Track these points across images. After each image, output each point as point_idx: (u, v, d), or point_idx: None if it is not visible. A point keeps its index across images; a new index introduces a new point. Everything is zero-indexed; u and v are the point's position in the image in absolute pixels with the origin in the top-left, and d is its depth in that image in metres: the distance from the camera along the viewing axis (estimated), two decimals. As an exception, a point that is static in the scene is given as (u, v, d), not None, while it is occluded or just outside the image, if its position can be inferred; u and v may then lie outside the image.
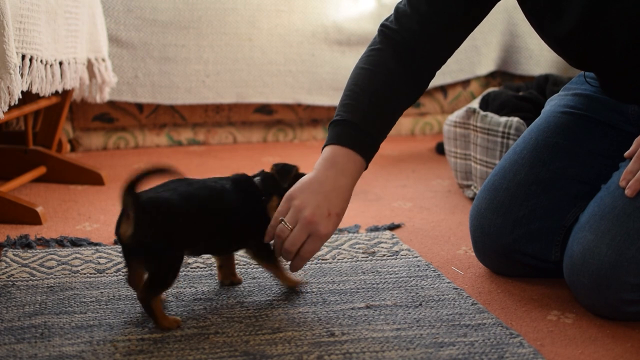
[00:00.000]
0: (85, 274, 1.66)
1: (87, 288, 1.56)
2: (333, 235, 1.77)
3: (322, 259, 1.74)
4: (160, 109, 3.03)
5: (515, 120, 2.14)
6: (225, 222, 1.45)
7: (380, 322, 1.42)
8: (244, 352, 1.29)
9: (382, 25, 1.59)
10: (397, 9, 1.58)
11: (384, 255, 1.78)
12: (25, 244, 1.84)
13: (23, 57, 1.99)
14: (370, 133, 1.51)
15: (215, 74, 3.00)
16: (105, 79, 2.53)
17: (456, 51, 1.62)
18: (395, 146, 3.03)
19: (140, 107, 3.01)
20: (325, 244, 1.68)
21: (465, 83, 3.31)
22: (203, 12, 2.95)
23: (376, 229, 1.99)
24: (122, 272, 1.64)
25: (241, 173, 1.53)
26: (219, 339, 1.34)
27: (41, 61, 2.08)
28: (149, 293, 1.36)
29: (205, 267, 1.67)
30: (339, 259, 1.75)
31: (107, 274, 1.65)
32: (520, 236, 1.60)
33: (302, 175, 1.51)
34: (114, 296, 1.52)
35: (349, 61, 3.07)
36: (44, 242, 1.86)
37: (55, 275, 1.65)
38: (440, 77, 3.16)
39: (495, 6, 1.61)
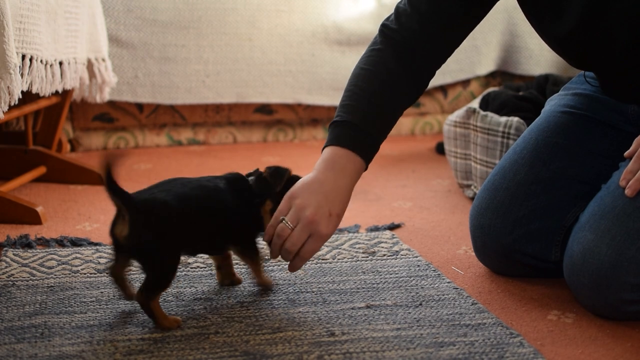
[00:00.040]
0: (85, 273, 1.66)
1: (87, 288, 1.56)
2: (333, 235, 1.77)
3: (322, 259, 1.74)
4: (160, 108, 3.03)
5: (515, 120, 2.14)
6: (219, 222, 1.45)
7: (380, 321, 1.42)
8: (244, 352, 1.29)
9: (383, 25, 1.59)
10: (398, 9, 1.58)
11: (384, 255, 1.78)
12: (25, 243, 1.84)
13: (23, 57, 1.99)
14: (370, 133, 1.51)
15: (215, 74, 3.00)
16: (105, 78, 2.53)
17: (456, 51, 1.62)
18: (395, 146, 3.03)
19: (140, 107, 3.01)
20: (326, 243, 1.68)
21: (465, 83, 3.31)
22: (203, 12, 2.95)
23: (376, 228, 1.99)
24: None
25: (235, 172, 1.53)
26: (219, 339, 1.34)
27: (41, 61, 2.08)
28: (147, 295, 1.36)
29: (205, 267, 1.67)
30: (339, 259, 1.75)
31: (107, 273, 1.64)
32: (520, 236, 1.60)
33: (296, 177, 1.50)
34: (114, 296, 1.52)
35: (349, 61, 3.07)
36: (44, 242, 1.86)
37: (55, 275, 1.65)
38: (440, 77, 3.16)
39: (495, 6, 1.61)
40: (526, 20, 1.62)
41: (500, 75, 3.35)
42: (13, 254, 1.77)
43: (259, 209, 1.49)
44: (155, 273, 1.36)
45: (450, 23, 1.56)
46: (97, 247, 1.83)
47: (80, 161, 2.53)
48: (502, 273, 1.68)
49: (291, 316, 1.44)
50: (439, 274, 1.65)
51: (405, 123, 3.28)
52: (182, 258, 1.70)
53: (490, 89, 2.50)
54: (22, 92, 1.98)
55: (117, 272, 1.41)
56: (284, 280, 1.61)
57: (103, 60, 2.53)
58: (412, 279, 1.63)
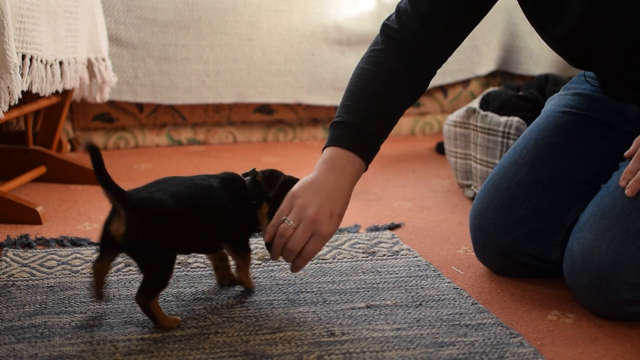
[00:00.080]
0: (85, 273, 1.66)
1: (87, 288, 1.56)
2: (333, 235, 1.76)
3: (322, 259, 1.74)
4: (160, 108, 3.03)
5: (515, 120, 2.14)
6: (213, 221, 1.45)
7: (380, 321, 1.42)
8: (244, 352, 1.29)
9: (384, 25, 1.59)
10: (399, 8, 1.58)
11: (384, 255, 1.78)
12: (25, 243, 1.84)
13: (23, 56, 1.99)
14: (370, 134, 1.51)
15: (215, 74, 3.00)
16: (105, 78, 2.53)
17: (456, 51, 1.62)
18: (395, 146, 3.03)
19: (140, 106, 3.01)
20: (326, 243, 1.68)
21: (466, 83, 3.31)
22: (203, 11, 2.95)
23: (376, 228, 1.99)
24: (123, 272, 1.65)
25: (230, 172, 1.53)
26: (219, 339, 1.34)
27: (41, 61, 2.08)
28: (147, 295, 1.36)
29: (205, 267, 1.67)
30: (339, 259, 1.75)
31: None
32: (520, 236, 1.60)
33: (290, 180, 1.50)
34: (114, 296, 1.52)
35: (349, 61, 3.07)
36: (44, 242, 1.86)
37: (55, 275, 1.65)
38: (440, 77, 3.16)
39: (495, 6, 1.61)
40: (526, 20, 1.62)
41: (500, 75, 3.35)
42: (13, 254, 1.77)
43: (255, 210, 1.49)
44: (152, 272, 1.36)
45: (451, 22, 1.56)
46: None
47: (80, 161, 2.53)
48: (502, 273, 1.68)
49: (291, 316, 1.44)
50: (439, 274, 1.65)
51: (405, 123, 3.28)
52: (182, 258, 1.71)
53: (490, 89, 2.50)
54: (22, 92, 1.98)
55: (99, 270, 1.41)
56: (284, 280, 1.61)
57: (103, 60, 2.53)
58: (412, 279, 1.63)
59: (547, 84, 2.45)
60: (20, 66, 1.95)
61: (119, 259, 1.71)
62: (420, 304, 1.49)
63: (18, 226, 2.01)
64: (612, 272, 1.40)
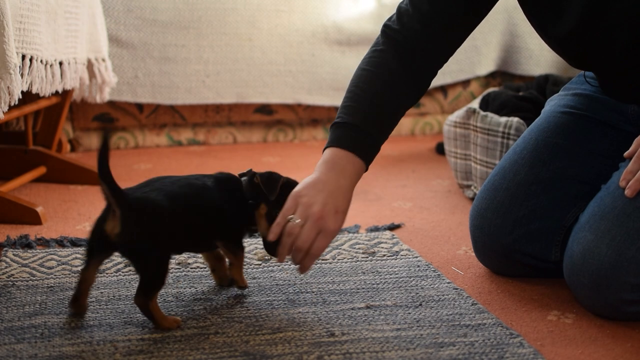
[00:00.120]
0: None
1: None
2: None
3: (322, 260, 1.74)
4: (160, 109, 3.03)
5: (515, 120, 2.14)
6: (208, 220, 1.45)
7: (380, 322, 1.42)
8: (244, 352, 1.29)
9: (385, 26, 1.59)
10: (400, 9, 1.58)
11: (384, 255, 1.78)
12: (25, 244, 1.84)
13: (23, 57, 1.99)
14: (370, 134, 1.51)
15: (215, 74, 3.00)
16: (105, 79, 2.53)
17: (456, 51, 1.62)
18: (395, 146, 3.03)
19: (140, 107, 3.01)
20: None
21: (465, 83, 3.31)
22: (203, 12, 2.95)
23: (376, 229, 1.99)
24: (123, 272, 1.65)
25: (226, 172, 1.53)
26: (219, 339, 1.34)
27: (41, 61, 2.08)
28: (146, 296, 1.36)
29: (205, 268, 1.67)
30: (339, 259, 1.75)
31: (107, 274, 1.65)
32: (520, 236, 1.60)
33: (289, 182, 1.50)
34: (114, 296, 1.52)
35: (349, 61, 3.07)
36: (44, 242, 1.86)
37: (55, 275, 1.65)
38: (440, 77, 3.16)
39: (495, 6, 1.61)
40: (526, 20, 1.62)
41: (500, 75, 3.35)
42: (13, 254, 1.77)
43: (251, 209, 1.49)
44: (148, 272, 1.36)
45: (452, 23, 1.56)
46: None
47: (80, 161, 2.53)
48: (502, 273, 1.68)
49: (291, 316, 1.44)
50: (439, 275, 1.65)
51: (405, 123, 3.28)
52: (182, 258, 1.71)
53: (490, 89, 2.50)
54: (22, 92, 1.98)
55: (86, 279, 1.40)
56: (284, 281, 1.61)
57: (103, 60, 2.53)
58: (412, 279, 1.63)
59: (547, 85, 2.45)
60: (20, 66, 1.95)
61: (119, 259, 1.71)
62: (420, 305, 1.49)
63: (18, 226, 2.00)
64: (612, 272, 1.40)
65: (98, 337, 1.35)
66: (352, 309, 1.47)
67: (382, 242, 1.86)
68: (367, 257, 1.76)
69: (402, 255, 1.77)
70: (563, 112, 1.68)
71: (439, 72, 1.64)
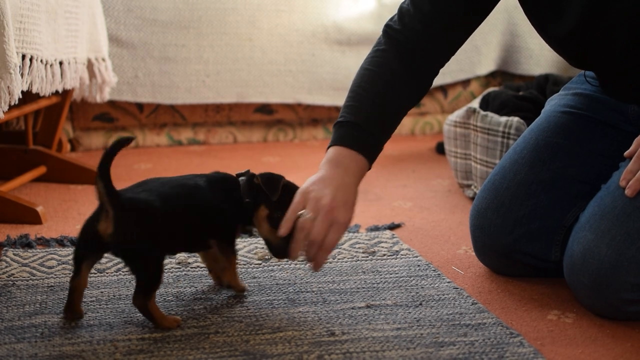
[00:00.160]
0: (89, 272, 1.65)
1: (87, 288, 1.56)
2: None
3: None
4: (160, 108, 3.03)
5: (515, 120, 2.14)
6: (202, 220, 1.45)
7: (380, 321, 1.42)
8: (244, 351, 1.29)
9: (386, 26, 1.60)
10: (401, 9, 1.59)
11: (384, 254, 1.78)
12: (25, 243, 1.84)
13: (23, 56, 1.99)
14: (373, 134, 1.52)
15: (216, 74, 3.00)
16: (105, 78, 2.53)
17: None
18: (395, 146, 3.03)
19: (140, 106, 3.01)
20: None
21: (466, 83, 3.31)
22: (203, 11, 2.95)
23: (376, 228, 1.99)
24: (123, 272, 1.65)
25: (223, 172, 1.52)
26: (219, 339, 1.34)
27: (41, 61, 2.08)
28: (144, 296, 1.36)
29: (205, 267, 1.67)
30: (339, 259, 1.75)
31: (107, 273, 1.65)
32: (520, 236, 1.60)
33: (290, 184, 1.49)
34: (114, 296, 1.52)
35: (349, 61, 3.07)
36: (44, 242, 1.86)
37: (55, 274, 1.65)
38: (441, 77, 3.13)
39: (495, 6, 1.61)
40: (526, 20, 1.62)
41: (500, 75, 3.35)
42: (13, 254, 1.77)
43: (247, 209, 1.48)
44: (143, 272, 1.36)
45: (453, 23, 1.57)
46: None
47: (80, 161, 2.53)
48: (502, 273, 1.68)
49: (291, 316, 1.44)
50: (439, 274, 1.65)
51: (405, 123, 3.28)
52: (182, 258, 1.71)
53: (491, 89, 2.50)
54: (22, 91, 1.98)
55: (78, 285, 1.40)
56: (284, 280, 1.61)
57: (103, 60, 2.53)
58: (412, 278, 1.63)
59: (547, 84, 2.45)
60: (20, 66, 1.95)
61: (117, 259, 1.71)
62: (421, 304, 1.49)
63: (18, 226, 2.00)
64: (612, 272, 1.40)
65: (98, 337, 1.35)
66: (353, 308, 1.47)
67: (382, 242, 1.86)
68: (367, 257, 1.76)
69: (402, 255, 1.77)
70: (563, 112, 1.68)
71: (440, 71, 1.64)
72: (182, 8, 2.93)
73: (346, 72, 3.05)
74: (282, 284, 1.59)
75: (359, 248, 1.82)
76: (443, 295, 1.54)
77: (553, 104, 1.74)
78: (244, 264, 1.69)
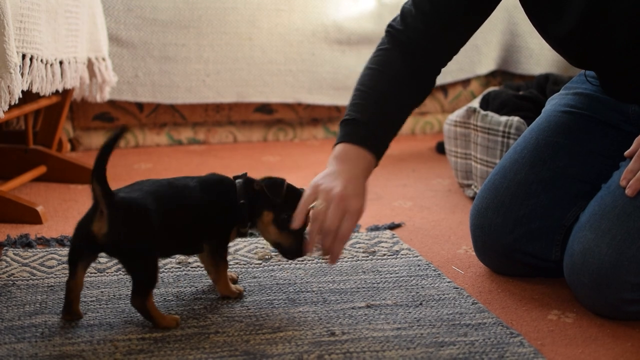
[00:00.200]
0: (85, 273, 1.65)
1: (87, 287, 1.56)
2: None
3: (323, 259, 1.74)
4: (160, 108, 3.03)
5: (515, 119, 2.14)
6: (195, 222, 1.45)
7: (380, 321, 1.42)
8: (244, 351, 1.29)
9: (389, 26, 1.61)
10: (403, 9, 1.60)
11: (385, 254, 1.78)
12: (25, 243, 1.84)
13: (23, 56, 1.99)
14: (379, 131, 1.54)
15: (216, 73, 3.00)
16: (105, 78, 2.53)
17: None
18: (395, 145, 2.99)
19: (140, 106, 3.01)
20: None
21: (466, 82, 3.31)
22: (203, 11, 2.95)
23: (376, 228, 1.99)
24: (123, 272, 1.64)
25: (218, 174, 1.52)
26: (219, 339, 1.34)
27: (41, 60, 2.08)
28: (141, 296, 1.36)
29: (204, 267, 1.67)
30: (339, 259, 1.74)
31: (107, 273, 1.65)
32: (520, 235, 1.60)
33: (292, 186, 1.49)
34: (114, 295, 1.52)
35: (349, 60, 3.07)
36: (45, 242, 1.86)
37: (55, 274, 1.65)
38: (441, 77, 3.10)
39: (497, 6, 1.61)
40: (526, 19, 1.62)
41: (500, 74, 3.35)
42: (13, 254, 1.77)
43: (245, 214, 1.47)
44: (138, 272, 1.36)
45: (454, 23, 1.57)
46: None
47: (80, 160, 2.53)
48: (503, 273, 1.68)
49: (291, 316, 1.44)
50: (439, 274, 1.65)
51: (405, 122, 3.27)
52: (182, 257, 1.71)
53: (491, 89, 2.50)
54: (23, 91, 1.98)
55: (74, 287, 1.39)
56: (284, 280, 1.61)
57: (103, 59, 2.53)
58: (412, 278, 1.63)
59: (547, 84, 2.45)
60: (20, 66, 1.95)
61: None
62: (421, 304, 1.49)
63: (18, 226, 2.00)
64: (613, 271, 1.40)
65: (98, 337, 1.35)
66: (353, 308, 1.47)
67: (382, 242, 1.86)
68: (368, 257, 1.76)
69: (402, 255, 1.77)
70: (564, 112, 1.68)
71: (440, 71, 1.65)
72: (182, 7, 2.93)
73: (346, 71, 3.05)
74: (282, 283, 1.59)
75: (359, 248, 1.82)
76: (443, 295, 1.54)
77: (553, 103, 1.74)
78: (244, 264, 1.69)
